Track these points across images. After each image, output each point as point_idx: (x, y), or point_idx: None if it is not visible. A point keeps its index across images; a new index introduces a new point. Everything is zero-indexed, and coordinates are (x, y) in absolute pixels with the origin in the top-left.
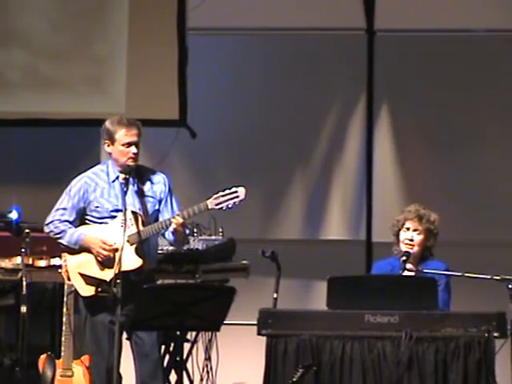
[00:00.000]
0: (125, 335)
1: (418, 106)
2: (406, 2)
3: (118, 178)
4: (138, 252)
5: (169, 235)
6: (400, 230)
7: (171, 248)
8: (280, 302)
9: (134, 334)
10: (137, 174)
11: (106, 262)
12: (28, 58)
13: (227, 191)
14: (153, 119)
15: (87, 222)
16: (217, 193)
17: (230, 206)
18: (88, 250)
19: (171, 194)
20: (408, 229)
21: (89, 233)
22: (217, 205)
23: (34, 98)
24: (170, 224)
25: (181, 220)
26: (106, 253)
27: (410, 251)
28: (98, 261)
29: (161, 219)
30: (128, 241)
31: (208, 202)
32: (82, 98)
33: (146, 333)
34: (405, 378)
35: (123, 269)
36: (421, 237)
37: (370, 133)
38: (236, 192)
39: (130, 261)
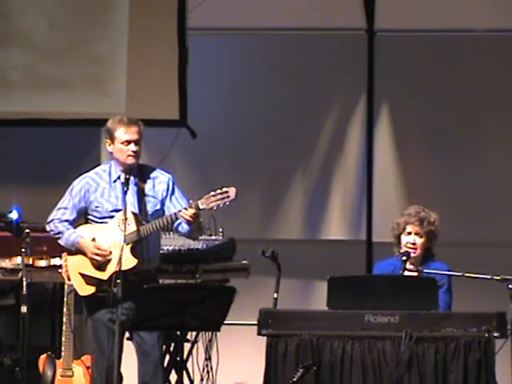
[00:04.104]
0: (127, 335)
1: (418, 105)
2: (406, 2)
3: (119, 177)
4: (133, 252)
5: (182, 228)
6: (401, 233)
7: (171, 248)
8: (280, 302)
9: (136, 334)
10: (139, 174)
11: (101, 265)
12: (28, 57)
13: (218, 191)
14: (153, 119)
15: (89, 221)
16: (208, 193)
17: (220, 205)
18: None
19: (177, 191)
20: (409, 233)
21: (85, 234)
22: (207, 205)
23: (34, 98)
24: (173, 219)
25: (189, 213)
26: (99, 258)
27: (411, 252)
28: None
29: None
30: (124, 241)
31: (199, 202)
32: (82, 97)
33: (148, 332)
34: (405, 378)
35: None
36: (423, 240)
37: (370, 133)
38: (227, 192)
39: (125, 260)
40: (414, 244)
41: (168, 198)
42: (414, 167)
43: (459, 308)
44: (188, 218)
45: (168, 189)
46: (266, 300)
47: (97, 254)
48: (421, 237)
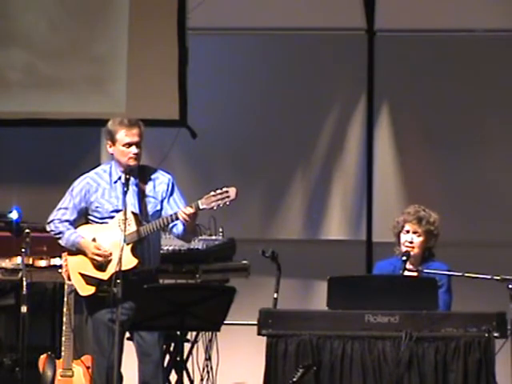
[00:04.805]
0: (127, 335)
1: (418, 105)
2: (406, 2)
3: (120, 178)
4: (133, 252)
5: (177, 229)
6: (400, 231)
7: (171, 248)
8: (280, 302)
9: (136, 334)
10: (139, 174)
11: (101, 265)
12: (28, 57)
13: (218, 191)
14: (153, 119)
15: (90, 221)
16: (208, 193)
17: (221, 205)
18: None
19: (176, 193)
20: (408, 231)
21: (86, 234)
22: (208, 204)
23: (34, 98)
24: (172, 219)
25: (187, 212)
26: (99, 258)
27: (410, 251)
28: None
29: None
30: (124, 241)
31: (199, 201)
32: (82, 97)
33: (148, 332)
34: (405, 378)
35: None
36: (421, 239)
37: (370, 133)
38: (227, 192)
39: (126, 260)
40: (411, 242)
41: (166, 198)
42: (413, 167)
43: (459, 308)
44: (186, 217)
45: (168, 189)
46: (266, 300)
47: (97, 255)
48: (419, 236)
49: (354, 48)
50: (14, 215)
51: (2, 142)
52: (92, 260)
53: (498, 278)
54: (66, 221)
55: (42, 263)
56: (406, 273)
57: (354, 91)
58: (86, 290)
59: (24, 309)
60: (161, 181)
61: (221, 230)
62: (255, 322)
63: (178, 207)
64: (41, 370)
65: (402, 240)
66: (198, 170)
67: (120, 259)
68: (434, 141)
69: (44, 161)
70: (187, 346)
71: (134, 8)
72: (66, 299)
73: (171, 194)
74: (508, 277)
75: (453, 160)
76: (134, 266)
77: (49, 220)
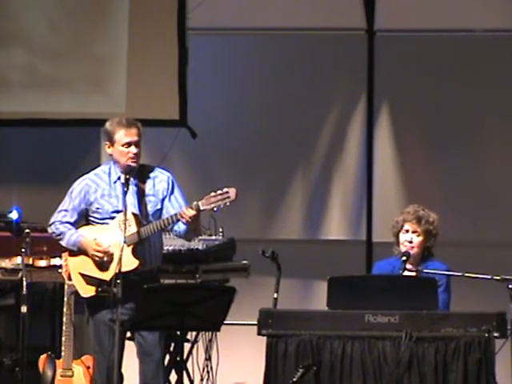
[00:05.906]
0: (128, 334)
1: (418, 105)
2: (406, 2)
3: (119, 178)
4: (134, 253)
5: (179, 227)
6: (399, 231)
7: (171, 248)
8: (280, 302)
9: (137, 334)
10: (139, 174)
11: (102, 264)
12: (28, 57)
13: (219, 192)
14: (153, 119)
15: (90, 222)
16: (208, 194)
17: (221, 206)
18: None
19: (176, 190)
20: (407, 231)
21: (87, 234)
22: (208, 205)
23: (34, 98)
24: (174, 220)
25: (188, 214)
26: (100, 254)
27: (410, 252)
28: (95, 262)
29: (165, 216)
30: (124, 241)
31: (200, 202)
32: (82, 97)
33: (149, 332)
34: (405, 378)
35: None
36: (420, 238)
37: (370, 133)
38: (227, 193)
39: (127, 262)
40: (410, 242)
41: (167, 197)
42: (414, 167)
43: (459, 308)
44: (188, 219)
45: (168, 188)
46: (266, 300)
47: (98, 251)
48: (418, 235)
49: (353, 48)
50: (14, 215)
51: (2, 142)
52: (93, 258)
53: (498, 278)
54: (67, 222)
55: (42, 263)
56: (406, 273)
57: (353, 91)
58: (87, 290)
59: (24, 309)
60: (160, 179)
61: (221, 230)
62: (255, 322)
63: (179, 205)
64: (41, 370)
65: (401, 239)
66: (198, 169)
67: (120, 259)
68: (434, 141)
69: (44, 161)
70: (187, 346)
71: (134, 8)
72: (66, 299)
73: (172, 192)
74: (508, 277)
75: (453, 160)
76: (135, 268)
77: (50, 222)
